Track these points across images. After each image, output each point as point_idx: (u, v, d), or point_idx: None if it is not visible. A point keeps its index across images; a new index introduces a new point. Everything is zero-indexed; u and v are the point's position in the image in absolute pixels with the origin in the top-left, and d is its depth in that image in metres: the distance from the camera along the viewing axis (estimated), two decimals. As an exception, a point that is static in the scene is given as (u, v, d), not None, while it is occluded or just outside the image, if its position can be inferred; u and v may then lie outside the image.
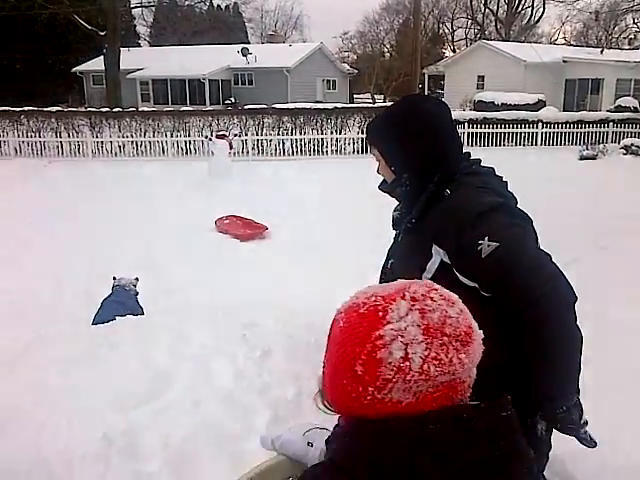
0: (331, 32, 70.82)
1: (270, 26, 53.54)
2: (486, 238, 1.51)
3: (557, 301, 1.48)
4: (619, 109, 20.92)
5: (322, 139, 17.60)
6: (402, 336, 0.81)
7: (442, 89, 36.26)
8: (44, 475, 2.41)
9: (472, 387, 0.88)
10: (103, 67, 26.82)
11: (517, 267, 1.49)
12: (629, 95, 24.53)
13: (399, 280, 0.91)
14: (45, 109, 18.88)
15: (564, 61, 29.75)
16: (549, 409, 1.56)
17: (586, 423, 1.58)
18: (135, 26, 45.43)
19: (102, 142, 17.61)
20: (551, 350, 1.50)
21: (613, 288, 5.40)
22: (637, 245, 6.91)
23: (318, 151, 17.58)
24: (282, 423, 2.74)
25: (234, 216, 9.16)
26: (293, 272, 6.66)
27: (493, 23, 48.62)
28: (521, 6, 47.53)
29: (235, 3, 48.75)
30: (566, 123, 18.38)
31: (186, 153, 17.49)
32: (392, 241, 1.92)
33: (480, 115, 18.67)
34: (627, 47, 37.84)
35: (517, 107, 21.50)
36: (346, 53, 51.17)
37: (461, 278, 1.59)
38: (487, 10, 48.53)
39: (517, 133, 18.20)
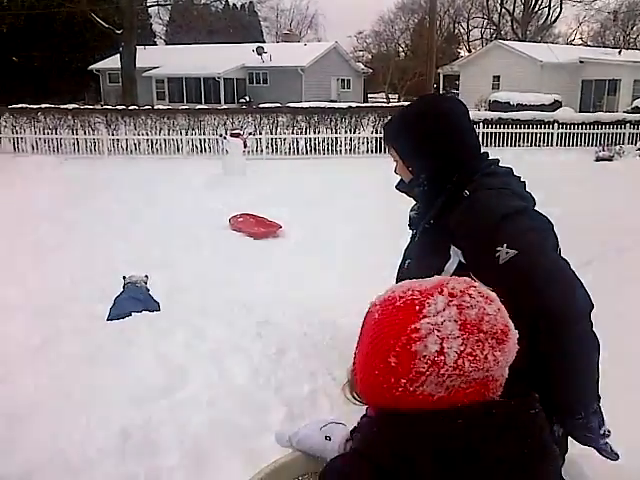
0: (346, 31, 70.77)
1: (285, 25, 53.66)
2: (505, 245, 1.47)
3: (573, 311, 1.45)
4: (636, 110, 20.68)
5: (336, 138, 17.62)
6: (438, 330, 0.82)
7: (457, 89, 36.09)
8: (61, 469, 2.43)
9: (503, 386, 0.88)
10: (119, 65, 26.98)
11: (534, 275, 1.46)
12: (646, 96, 24.32)
13: (435, 276, 0.92)
14: (62, 106, 19.12)
15: (581, 62, 29.53)
16: (566, 417, 1.52)
17: (607, 434, 1.52)
18: (151, 24, 45.60)
19: (118, 140, 17.76)
20: (567, 358, 1.47)
21: (630, 289, 5.36)
22: (654, 247, 6.85)
23: (332, 150, 17.61)
24: (297, 420, 2.76)
25: (248, 214, 9.16)
26: (307, 270, 6.65)
27: (509, 23, 48.31)
28: (538, 6, 47.22)
29: (250, 2, 48.84)
30: (582, 124, 18.20)
31: (201, 151, 17.62)
32: (409, 241, 1.89)
33: (495, 115, 18.56)
34: (645, 48, 37.55)
35: (533, 107, 21.37)
36: (361, 52, 51.22)
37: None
38: (503, 10, 48.26)
39: (533, 133, 18.06)
